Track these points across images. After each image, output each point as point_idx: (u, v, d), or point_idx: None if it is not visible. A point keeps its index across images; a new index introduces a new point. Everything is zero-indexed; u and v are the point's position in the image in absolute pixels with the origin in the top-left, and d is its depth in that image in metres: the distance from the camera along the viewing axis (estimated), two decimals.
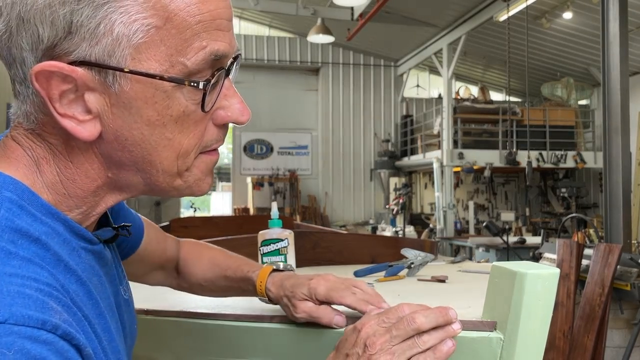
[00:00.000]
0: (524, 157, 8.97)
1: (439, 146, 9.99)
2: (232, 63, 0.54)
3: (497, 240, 5.99)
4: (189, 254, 0.94)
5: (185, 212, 13.24)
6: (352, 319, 0.78)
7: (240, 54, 0.56)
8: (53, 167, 0.52)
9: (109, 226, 0.62)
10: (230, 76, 0.55)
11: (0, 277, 0.42)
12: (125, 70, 0.48)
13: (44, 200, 0.51)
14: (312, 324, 0.82)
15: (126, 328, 0.66)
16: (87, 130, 0.50)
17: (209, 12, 0.50)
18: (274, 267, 0.87)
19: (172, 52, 0.49)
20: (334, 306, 0.80)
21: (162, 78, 0.48)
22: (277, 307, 0.88)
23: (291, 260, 1.21)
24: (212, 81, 0.51)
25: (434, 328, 0.65)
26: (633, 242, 4.30)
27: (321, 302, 0.79)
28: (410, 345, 0.63)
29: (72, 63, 0.47)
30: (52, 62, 0.47)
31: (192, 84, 0.50)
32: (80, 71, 0.48)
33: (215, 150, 0.57)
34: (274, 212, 1.25)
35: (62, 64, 0.47)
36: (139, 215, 0.86)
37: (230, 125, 0.58)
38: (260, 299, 0.87)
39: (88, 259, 0.54)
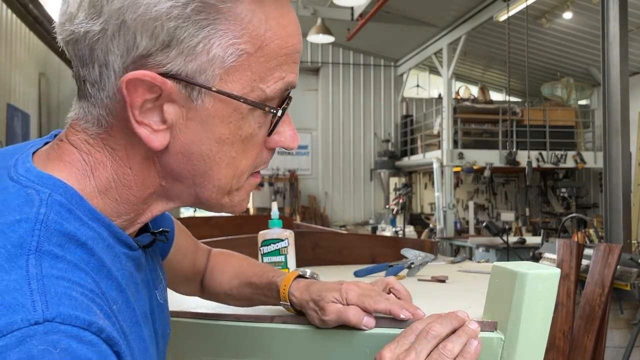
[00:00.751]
0: (524, 157, 8.97)
1: (439, 146, 9.99)
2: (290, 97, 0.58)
3: (497, 240, 5.99)
4: (215, 264, 0.94)
5: (185, 212, 13.24)
6: (382, 320, 0.78)
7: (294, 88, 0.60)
8: (110, 173, 0.53)
9: (148, 231, 0.63)
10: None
11: (48, 279, 0.43)
12: (213, 89, 0.50)
13: (91, 205, 0.52)
14: (312, 324, 0.82)
15: (159, 334, 0.66)
16: (158, 139, 0.51)
17: (293, 46, 0.54)
18: (300, 273, 0.86)
19: (255, 77, 0.51)
20: None
21: (245, 101, 0.51)
22: (278, 307, 0.87)
23: (291, 260, 1.21)
24: (285, 109, 0.55)
25: (454, 332, 0.65)
26: (633, 242, 4.30)
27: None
28: (438, 356, 0.63)
29: (162, 75, 0.49)
30: (146, 71, 0.49)
31: (271, 110, 0.53)
32: (170, 84, 0.49)
33: (259, 172, 0.60)
34: (274, 212, 1.25)
35: (155, 74, 0.49)
36: (174, 221, 0.85)
37: None
38: (282, 305, 0.84)
39: (128, 265, 0.55)
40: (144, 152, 0.53)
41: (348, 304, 0.77)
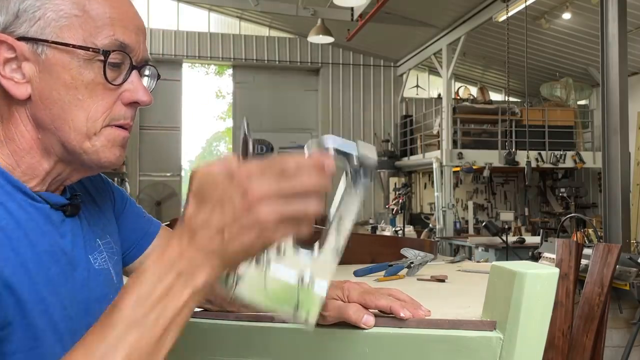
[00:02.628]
0: (523, 157, 8.97)
1: (438, 146, 9.99)
2: (142, 66, 0.71)
3: (497, 240, 5.99)
4: None
5: None
6: (382, 319, 0.78)
7: (149, 64, 0.73)
8: None
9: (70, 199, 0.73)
10: (147, 81, 0.74)
11: None
12: (50, 41, 0.65)
13: None
14: (317, 324, 0.82)
15: (92, 295, 0.72)
16: (20, 90, 0.66)
17: (118, 14, 0.68)
18: None
19: (86, 34, 0.66)
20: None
21: (74, 46, 0.65)
22: None
23: None
24: (114, 58, 0.66)
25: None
26: (632, 241, 4.31)
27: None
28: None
29: (16, 38, 0.65)
30: (3, 34, 0.64)
31: (95, 50, 0.65)
32: (20, 43, 0.65)
33: (125, 128, 0.70)
34: None
35: (9, 36, 0.65)
36: (161, 228, 0.92)
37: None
38: None
39: (30, 211, 0.66)
40: (18, 108, 0.67)
41: (349, 302, 0.77)
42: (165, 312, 0.52)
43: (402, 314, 0.75)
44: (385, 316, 0.79)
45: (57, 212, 0.69)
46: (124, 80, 0.68)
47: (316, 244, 0.62)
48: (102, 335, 0.51)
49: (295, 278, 0.60)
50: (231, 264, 0.54)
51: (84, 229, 0.74)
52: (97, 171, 0.74)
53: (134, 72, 0.70)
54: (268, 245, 0.52)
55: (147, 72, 0.74)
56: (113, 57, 0.66)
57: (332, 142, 0.58)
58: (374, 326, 0.78)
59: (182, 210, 0.55)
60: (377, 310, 0.79)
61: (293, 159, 0.52)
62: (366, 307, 0.77)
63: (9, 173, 0.66)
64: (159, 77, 0.77)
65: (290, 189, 0.50)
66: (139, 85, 0.70)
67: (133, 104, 0.70)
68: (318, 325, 0.82)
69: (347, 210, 0.61)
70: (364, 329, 0.77)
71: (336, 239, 0.62)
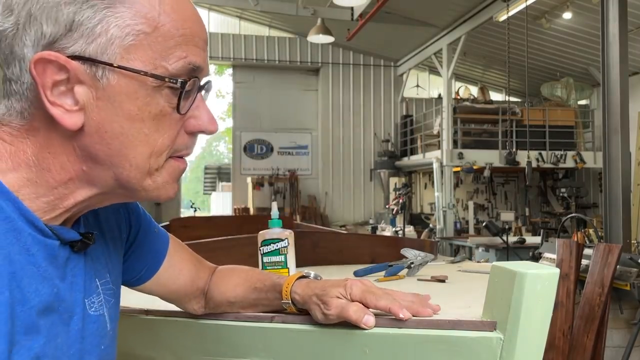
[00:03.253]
0: (523, 157, 8.96)
1: (438, 146, 9.98)
2: (205, 83, 0.62)
3: (497, 240, 5.99)
4: (219, 278, 0.94)
5: (185, 212, 13.23)
6: (382, 319, 0.78)
7: (211, 82, 0.65)
8: (29, 158, 0.57)
9: (80, 232, 0.63)
10: (203, 94, 0.63)
11: None
12: (115, 65, 0.54)
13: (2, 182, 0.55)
14: (314, 323, 0.82)
15: (86, 345, 0.65)
16: (72, 119, 0.55)
17: (190, 29, 0.58)
18: (304, 274, 0.87)
19: (156, 56, 0.56)
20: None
21: (145, 74, 0.55)
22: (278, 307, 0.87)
23: (291, 260, 1.22)
24: (188, 86, 0.58)
25: None
26: (632, 242, 4.30)
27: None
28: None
29: (68, 57, 0.54)
30: (51, 51, 0.53)
31: (171, 81, 0.56)
32: (74, 63, 0.54)
33: (183, 159, 0.63)
34: (274, 212, 1.25)
35: (59, 54, 0.53)
36: (170, 239, 0.88)
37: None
38: (284, 304, 0.84)
39: (33, 252, 0.56)
40: (62, 136, 0.56)
41: (352, 300, 0.77)
42: None
43: (401, 315, 0.75)
44: (386, 316, 0.78)
45: (64, 248, 0.61)
46: (190, 107, 0.60)
47: None
48: None
49: None
50: None
51: (87, 266, 0.66)
52: (143, 200, 0.66)
53: (199, 95, 0.61)
54: None
55: (206, 88, 0.64)
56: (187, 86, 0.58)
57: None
58: (374, 326, 0.78)
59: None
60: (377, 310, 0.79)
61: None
62: (366, 307, 0.77)
63: (24, 204, 0.56)
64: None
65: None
66: (205, 112, 0.62)
67: (196, 132, 0.62)
68: (320, 324, 0.82)
69: None
70: (365, 328, 0.77)
71: None
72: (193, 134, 0.62)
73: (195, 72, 0.59)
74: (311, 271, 0.90)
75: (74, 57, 0.54)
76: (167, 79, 0.56)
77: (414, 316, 0.77)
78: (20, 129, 0.57)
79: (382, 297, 0.77)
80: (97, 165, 0.58)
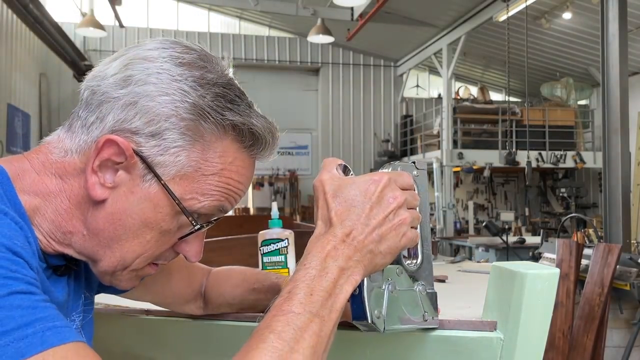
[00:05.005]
0: (523, 157, 8.96)
1: (438, 146, 9.98)
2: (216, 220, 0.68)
3: (497, 240, 5.99)
4: (216, 278, 0.96)
5: None
6: None
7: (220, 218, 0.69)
8: (49, 193, 0.62)
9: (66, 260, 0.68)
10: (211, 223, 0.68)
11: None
12: (162, 182, 0.61)
13: (21, 200, 0.60)
14: None
15: None
16: (99, 191, 0.61)
17: (238, 183, 0.65)
18: None
19: (196, 190, 0.62)
20: None
21: (178, 202, 0.62)
22: None
23: (291, 260, 1.22)
24: (206, 227, 0.65)
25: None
26: (632, 242, 4.30)
27: None
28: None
29: (135, 150, 0.60)
30: (126, 142, 0.59)
31: (192, 221, 0.63)
32: (136, 159, 0.60)
33: (158, 265, 0.68)
34: (274, 212, 1.25)
35: (131, 146, 0.60)
36: None
37: None
38: None
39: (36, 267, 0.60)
40: (84, 197, 0.62)
41: None
42: (336, 305, 0.56)
43: None
44: None
45: (47, 270, 0.65)
46: (190, 233, 0.65)
47: (417, 258, 0.70)
48: (288, 322, 0.52)
49: (414, 293, 0.69)
50: (376, 268, 0.60)
51: (70, 286, 0.69)
52: (100, 279, 0.70)
53: (201, 231, 0.66)
54: (404, 248, 0.62)
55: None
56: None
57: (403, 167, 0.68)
58: None
59: (319, 210, 0.62)
60: None
61: (407, 177, 0.65)
62: None
63: (31, 223, 0.61)
64: None
65: (412, 200, 0.63)
66: (197, 246, 0.68)
67: (180, 254, 0.68)
68: None
69: (424, 217, 0.68)
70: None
71: (425, 245, 0.71)
72: (177, 253, 0.68)
73: (219, 214, 0.65)
74: None
75: (139, 154, 0.60)
76: (190, 219, 0.63)
77: None
78: (54, 163, 0.62)
79: None
80: (95, 238, 0.63)
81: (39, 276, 0.59)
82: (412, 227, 0.62)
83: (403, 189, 0.62)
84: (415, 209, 0.63)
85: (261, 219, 2.66)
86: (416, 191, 0.67)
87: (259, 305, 0.91)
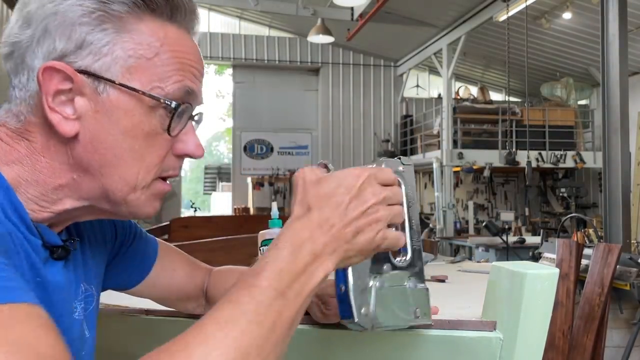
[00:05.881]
0: (523, 157, 8.96)
1: (438, 146, 9.98)
2: (197, 114, 0.67)
3: (497, 240, 5.99)
4: (219, 278, 0.96)
5: (186, 212, 13.23)
6: None
7: (202, 114, 0.68)
8: (24, 158, 0.60)
9: (64, 239, 0.66)
10: (194, 123, 0.67)
11: None
12: (116, 82, 0.59)
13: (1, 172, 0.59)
14: (314, 324, 0.82)
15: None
16: (68, 126, 0.59)
17: (190, 60, 0.64)
18: None
19: (154, 78, 0.61)
20: None
21: (143, 93, 0.60)
22: None
23: None
24: (181, 109, 0.62)
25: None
26: (632, 241, 4.30)
27: None
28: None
29: (74, 70, 0.59)
30: (61, 62, 0.58)
31: (166, 102, 0.61)
32: (79, 76, 0.59)
33: (168, 182, 0.67)
34: (274, 212, 1.25)
35: (67, 65, 0.58)
36: (159, 244, 0.90)
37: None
38: None
39: (21, 241, 0.58)
40: (57, 142, 0.60)
41: None
42: (303, 290, 0.55)
43: None
44: None
45: (45, 251, 0.63)
46: (180, 131, 0.64)
47: (407, 254, 0.69)
48: (251, 295, 0.52)
49: (404, 289, 0.68)
50: (349, 262, 0.60)
51: (70, 271, 0.68)
52: (123, 218, 0.70)
53: (190, 122, 0.66)
54: (381, 247, 0.60)
55: (197, 118, 0.68)
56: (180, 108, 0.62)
57: (388, 163, 0.67)
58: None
59: (298, 196, 0.60)
60: None
61: (389, 173, 0.63)
62: None
63: (15, 195, 0.59)
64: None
65: (392, 196, 0.61)
66: (193, 138, 0.66)
67: (183, 156, 0.67)
68: (320, 324, 0.82)
69: (412, 213, 0.68)
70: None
71: (414, 240, 0.69)
72: (180, 157, 0.67)
73: (189, 97, 0.63)
74: None
75: (80, 71, 0.59)
76: (162, 100, 0.61)
77: None
78: (15, 130, 0.61)
79: None
80: (87, 174, 0.61)
81: (28, 251, 0.58)
82: (394, 227, 0.61)
83: (384, 185, 0.61)
84: (398, 205, 0.62)
85: (261, 219, 2.66)
86: (402, 187, 0.67)
87: None
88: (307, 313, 0.83)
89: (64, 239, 0.66)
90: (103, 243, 0.80)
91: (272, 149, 12.07)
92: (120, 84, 0.59)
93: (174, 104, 0.61)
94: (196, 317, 0.98)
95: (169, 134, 0.63)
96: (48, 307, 0.58)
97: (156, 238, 0.91)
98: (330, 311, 0.78)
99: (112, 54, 0.59)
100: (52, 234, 0.63)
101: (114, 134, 0.60)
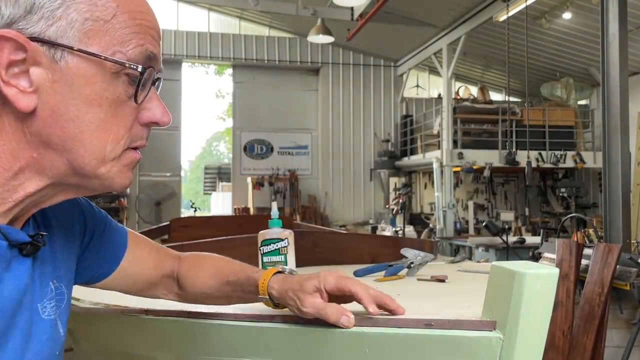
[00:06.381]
0: (523, 157, 8.96)
1: (438, 146, 9.99)
2: (158, 79, 0.64)
3: (497, 240, 5.99)
4: (190, 265, 0.94)
5: (186, 212, 13.23)
6: (381, 320, 0.78)
7: (161, 79, 0.66)
8: None
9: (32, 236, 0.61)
10: (155, 88, 0.64)
11: None
12: (74, 48, 0.55)
13: None
14: (314, 323, 0.82)
15: (35, 348, 0.62)
16: (25, 100, 0.54)
17: (147, 21, 0.60)
18: (280, 269, 0.87)
19: (115, 42, 0.57)
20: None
21: (106, 58, 0.56)
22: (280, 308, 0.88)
23: (291, 260, 1.22)
24: (145, 75, 0.59)
25: None
26: (632, 241, 4.30)
27: (330, 296, 0.79)
28: None
29: (28, 38, 0.53)
30: (11, 30, 0.53)
31: (131, 66, 0.57)
32: (33, 44, 0.53)
33: (138, 151, 0.63)
34: (274, 212, 1.25)
35: (17, 32, 0.53)
36: (128, 233, 0.87)
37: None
38: (260, 298, 0.86)
39: None
40: (13, 120, 0.55)
41: (326, 288, 0.78)
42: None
43: (370, 309, 0.78)
44: (385, 316, 0.79)
45: (12, 250, 0.58)
46: (144, 98, 0.61)
47: None
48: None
49: None
50: None
51: (37, 269, 0.63)
52: (97, 193, 0.64)
53: (153, 89, 0.62)
54: None
55: (157, 85, 0.65)
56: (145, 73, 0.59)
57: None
58: (377, 326, 0.78)
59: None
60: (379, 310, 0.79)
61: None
62: (342, 292, 0.79)
63: None
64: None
65: None
66: (158, 104, 0.63)
67: (150, 124, 0.63)
68: (320, 324, 0.82)
69: None
70: (361, 327, 0.77)
71: None
72: (147, 126, 0.63)
73: (151, 62, 0.60)
74: (286, 267, 0.91)
75: (33, 39, 0.53)
76: (127, 64, 0.57)
77: (380, 308, 0.80)
78: None
79: (356, 284, 0.79)
80: (50, 150, 0.57)
81: None
82: None
83: None
84: None
85: (261, 218, 2.66)
86: None
87: (233, 296, 0.90)
88: (284, 308, 0.85)
89: (31, 235, 0.61)
90: (72, 237, 0.76)
91: (272, 149, 12.07)
92: (79, 50, 0.55)
93: (140, 69, 0.58)
94: (196, 317, 0.98)
95: (136, 101, 0.59)
96: (9, 317, 0.56)
97: (125, 227, 0.89)
98: (305, 308, 0.78)
99: (66, 18, 0.54)
100: (16, 231, 0.59)
101: (76, 105, 0.55)
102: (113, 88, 0.57)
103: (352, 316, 0.77)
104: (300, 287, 0.79)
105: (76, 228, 0.77)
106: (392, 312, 0.80)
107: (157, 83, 0.64)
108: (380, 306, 0.79)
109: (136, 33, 0.58)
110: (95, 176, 0.59)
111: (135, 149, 0.62)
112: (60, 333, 0.68)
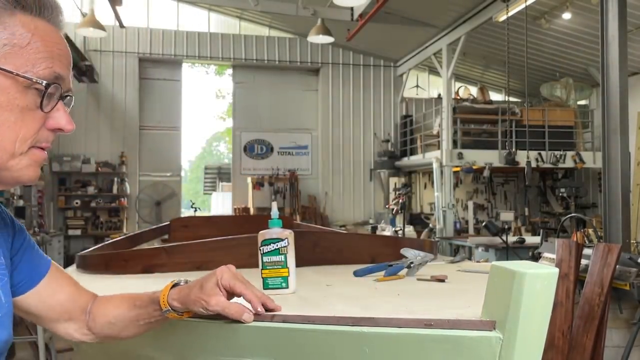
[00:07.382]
0: (523, 157, 8.97)
1: (438, 146, 9.99)
2: (67, 96, 0.79)
3: (497, 240, 6.00)
4: (101, 299, 1.01)
5: (186, 212, 13.23)
6: (380, 320, 0.79)
7: (72, 97, 0.81)
8: None
9: None
10: (65, 104, 0.79)
11: None
12: None
13: None
14: (314, 323, 0.82)
15: None
16: None
17: (58, 50, 0.77)
18: (175, 281, 0.94)
19: (27, 63, 0.73)
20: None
21: (17, 75, 0.72)
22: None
23: (291, 260, 1.22)
24: (51, 89, 0.74)
25: None
26: (632, 242, 4.31)
27: (227, 291, 0.89)
28: None
29: None
30: None
31: (37, 82, 0.73)
32: None
33: (44, 150, 0.78)
34: (274, 212, 1.25)
35: None
36: (51, 261, 0.98)
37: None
38: (164, 312, 0.91)
39: None
40: None
41: (224, 286, 0.89)
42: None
43: (258, 309, 0.90)
44: (384, 317, 0.79)
45: None
46: (52, 109, 0.76)
47: None
48: None
49: None
50: None
51: None
52: (9, 187, 0.79)
53: (61, 103, 0.78)
54: None
55: (66, 101, 0.80)
56: (50, 88, 0.73)
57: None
58: (377, 326, 0.78)
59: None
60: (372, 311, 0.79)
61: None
62: (232, 294, 0.90)
63: None
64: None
65: None
66: (64, 114, 0.78)
67: (56, 130, 0.78)
68: (321, 324, 0.82)
69: None
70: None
71: None
72: (53, 131, 0.78)
73: (58, 80, 0.76)
74: (182, 278, 0.97)
75: None
76: (34, 79, 0.73)
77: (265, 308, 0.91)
78: None
79: (247, 288, 0.91)
80: None
81: None
82: None
83: None
84: None
85: (261, 218, 2.66)
86: None
87: (140, 319, 0.95)
88: (190, 316, 0.92)
89: None
90: (6, 234, 0.88)
91: (272, 149, 12.06)
92: None
93: (44, 83, 0.73)
94: (196, 317, 0.98)
95: (42, 110, 0.75)
96: None
97: (51, 260, 0.99)
98: (212, 307, 0.87)
99: None
100: None
101: None
102: (23, 98, 0.73)
103: (252, 313, 0.90)
104: (201, 289, 0.88)
105: (8, 229, 0.89)
106: (272, 310, 0.92)
107: (66, 99, 0.79)
108: (263, 305, 0.92)
109: (46, 58, 0.74)
110: (6, 168, 0.74)
111: (42, 149, 0.77)
112: (2, 300, 0.80)
